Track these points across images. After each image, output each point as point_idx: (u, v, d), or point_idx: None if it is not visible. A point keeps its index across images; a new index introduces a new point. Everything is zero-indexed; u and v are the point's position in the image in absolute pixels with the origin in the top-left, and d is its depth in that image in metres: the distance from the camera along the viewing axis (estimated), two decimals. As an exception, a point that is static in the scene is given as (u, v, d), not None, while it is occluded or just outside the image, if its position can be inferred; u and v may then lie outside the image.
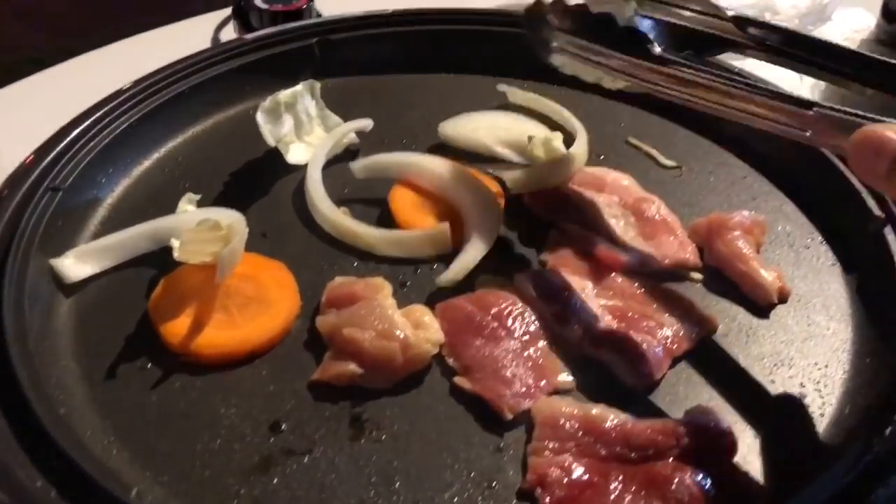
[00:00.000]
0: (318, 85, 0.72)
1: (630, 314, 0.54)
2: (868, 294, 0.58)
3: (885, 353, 0.53)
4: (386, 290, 0.55)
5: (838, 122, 0.43)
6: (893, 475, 0.43)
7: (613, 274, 0.58)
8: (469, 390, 0.50)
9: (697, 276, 0.60)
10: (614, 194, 0.64)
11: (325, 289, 0.56)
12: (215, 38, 1.04)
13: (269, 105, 0.66)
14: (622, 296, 0.56)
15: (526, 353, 0.52)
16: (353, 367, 0.50)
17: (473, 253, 0.58)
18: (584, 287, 0.57)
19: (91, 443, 0.46)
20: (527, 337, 0.53)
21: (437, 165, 0.65)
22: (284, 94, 0.68)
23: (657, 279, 0.58)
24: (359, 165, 0.66)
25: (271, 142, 0.66)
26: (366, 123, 0.70)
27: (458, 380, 0.51)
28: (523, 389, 0.50)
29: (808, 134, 0.45)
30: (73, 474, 0.42)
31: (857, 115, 0.43)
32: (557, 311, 0.54)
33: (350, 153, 0.71)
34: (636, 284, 0.57)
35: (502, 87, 0.77)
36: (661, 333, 0.53)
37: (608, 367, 0.52)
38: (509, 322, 0.54)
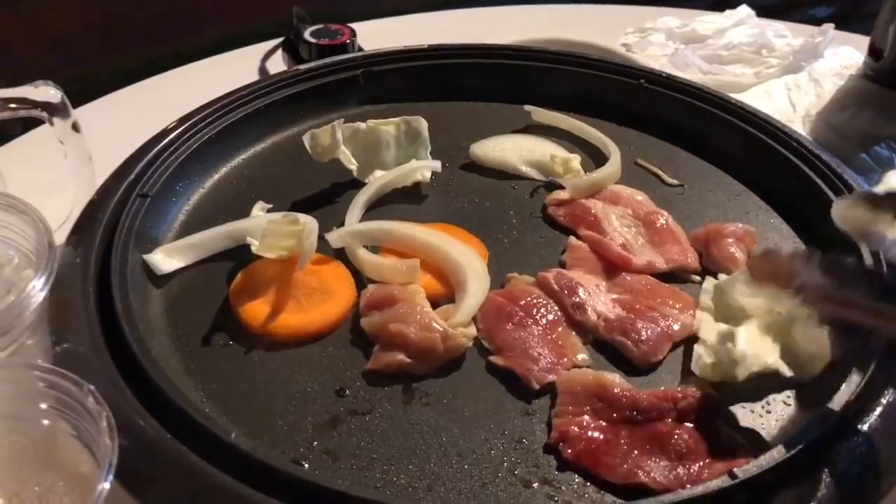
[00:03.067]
0: (424, 122, 0.79)
1: (637, 306, 0.64)
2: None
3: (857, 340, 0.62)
4: (421, 293, 0.64)
5: None
6: (855, 434, 0.52)
7: (624, 273, 0.68)
8: (503, 366, 0.60)
9: (697, 277, 0.69)
10: (628, 207, 0.74)
11: (362, 296, 0.65)
12: (262, 68, 1.15)
13: (367, 129, 0.76)
14: (631, 291, 0.66)
15: (549, 337, 0.62)
16: (401, 356, 0.59)
17: (477, 297, 0.64)
18: (598, 283, 0.66)
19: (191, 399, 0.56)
20: (549, 323, 0.63)
21: (416, 232, 0.69)
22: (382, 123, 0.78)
23: (661, 279, 0.68)
24: (334, 235, 0.69)
25: (352, 165, 0.76)
26: (434, 164, 0.78)
27: (493, 358, 0.61)
28: (548, 365, 0.59)
29: None
30: (182, 421, 0.51)
31: None
32: (576, 302, 0.64)
33: (418, 189, 0.79)
34: (643, 282, 0.67)
35: (528, 108, 0.87)
36: (664, 322, 0.63)
37: (618, 349, 0.62)
38: (535, 311, 0.63)
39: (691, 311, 0.64)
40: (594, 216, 0.73)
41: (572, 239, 0.72)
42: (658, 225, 0.72)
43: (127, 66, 1.13)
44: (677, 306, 0.65)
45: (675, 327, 0.63)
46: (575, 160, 0.79)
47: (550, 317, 0.63)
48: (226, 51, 1.19)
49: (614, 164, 0.80)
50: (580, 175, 0.78)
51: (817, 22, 1.19)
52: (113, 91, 1.07)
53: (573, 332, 0.63)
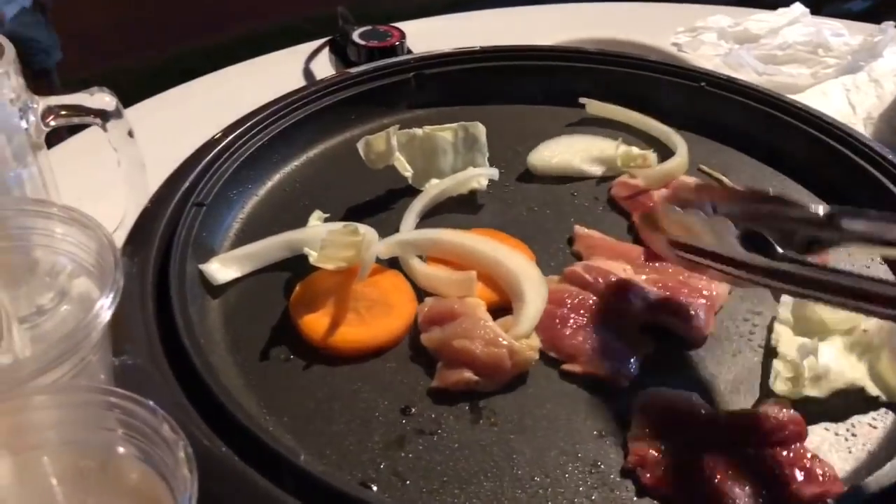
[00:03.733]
0: (482, 128, 0.77)
1: (669, 283, 0.64)
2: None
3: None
4: (482, 307, 0.62)
5: None
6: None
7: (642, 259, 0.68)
8: (581, 373, 0.58)
9: None
10: None
11: (419, 311, 0.63)
12: (306, 70, 1.13)
13: (423, 135, 0.75)
14: (657, 271, 0.66)
15: (610, 332, 0.61)
16: (468, 374, 0.57)
17: (537, 304, 0.61)
18: (624, 268, 0.66)
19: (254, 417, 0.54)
20: (602, 319, 0.62)
21: (464, 240, 0.67)
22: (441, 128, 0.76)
23: None
24: (382, 246, 0.66)
25: (407, 172, 0.74)
26: (491, 172, 0.76)
27: (566, 367, 0.59)
28: (625, 359, 0.59)
29: None
30: (248, 441, 0.50)
31: None
32: (613, 291, 0.63)
33: (474, 197, 0.77)
34: (667, 265, 0.66)
35: (583, 100, 0.85)
36: (700, 294, 0.63)
37: (670, 329, 0.62)
38: (582, 310, 0.62)
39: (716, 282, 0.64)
40: (654, 203, 0.72)
41: (577, 227, 0.71)
42: None
43: (155, 63, 1.12)
44: (703, 279, 0.64)
45: (714, 294, 0.63)
46: (650, 154, 0.78)
47: (602, 313, 0.62)
48: (253, 48, 1.18)
49: (682, 155, 0.78)
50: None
51: (853, 16, 1.15)
52: (146, 89, 1.06)
53: (631, 320, 0.62)
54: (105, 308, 0.46)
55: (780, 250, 0.51)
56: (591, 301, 0.63)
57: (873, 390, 0.57)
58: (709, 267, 0.57)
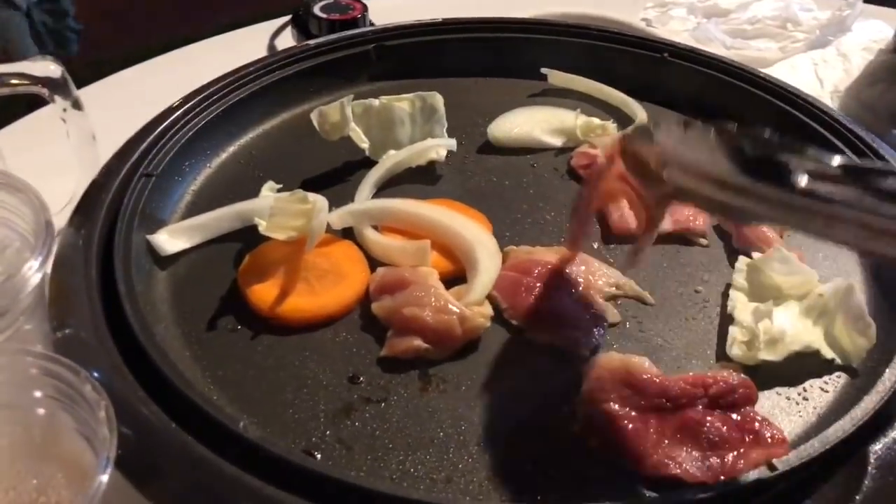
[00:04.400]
0: (440, 98, 0.76)
1: None
2: (882, 275, 0.64)
3: (896, 324, 0.59)
4: (434, 275, 0.61)
5: None
6: (891, 428, 0.49)
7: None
8: (544, 342, 0.58)
9: (703, 241, 0.67)
10: None
11: (371, 280, 0.62)
12: (271, 45, 1.12)
13: (379, 107, 0.73)
14: None
15: (574, 301, 0.60)
16: (417, 341, 0.56)
17: (490, 273, 0.61)
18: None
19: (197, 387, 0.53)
20: (568, 289, 0.61)
21: (419, 209, 0.66)
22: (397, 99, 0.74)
23: (667, 242, 0.67)
24: (335, 216, 0.66)
25: (363, 143, 0.73)
26: (449, 143, 0.75)
27: (529, 335, 0.58)
28: (588, 328, 0.58)
29: None
30: (187, 409, 0.49)
31: None
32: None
33: (432, 168, 0.75)
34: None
35: (545, 70, 0.84)
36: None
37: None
38: (550, 280, 0.61)
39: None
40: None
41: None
42: None
43: (140, 53, 1.11)
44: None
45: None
46: (610, 124, 0.78)
47: (568, 283, 0.61)
48: (238, 34, 1.16)
49: (642, 122, 0.77)
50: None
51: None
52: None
53: (595, 293, 0.61)
54: (34, 270, 0.45)
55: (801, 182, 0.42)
56: (558, 271, 0.62)
57: (828, 353, 0.56)
58: (726, 203, 0.46)
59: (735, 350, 0.57)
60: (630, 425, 0.51)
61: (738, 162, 0.46)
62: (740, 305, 0.60)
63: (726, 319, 0.60)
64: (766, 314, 0.57)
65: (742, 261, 0.63)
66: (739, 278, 0.61)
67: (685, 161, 0.48)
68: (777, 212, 0.44)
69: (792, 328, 0.57)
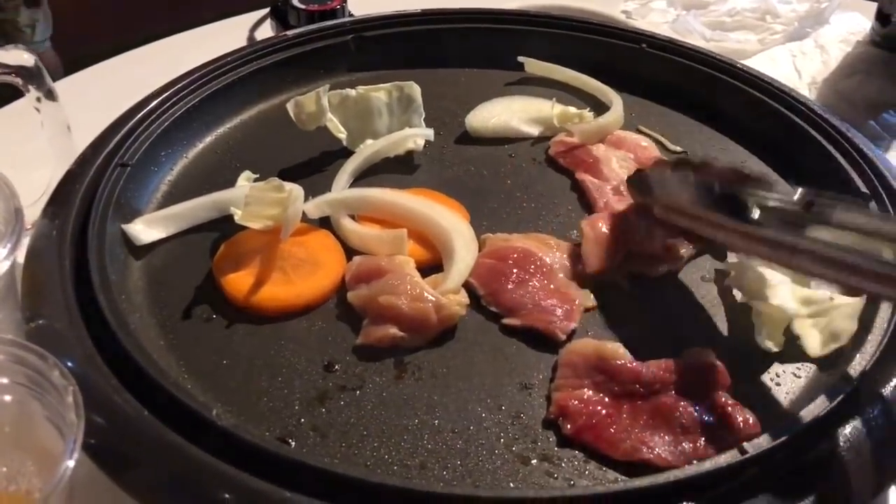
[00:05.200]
0: (417, 88, 0.76)
1: None
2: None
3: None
4: (411, 264, 0.61)
5: None
6: (860, 412, 0.49)
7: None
8: (520, 326, 0.58)
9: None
10: (631, 152, 0.74)
11: (347, 269, 0.61)
12: (251, 37, 1.11)
13: (357, 96, 0.73)
14: None
15: (551, 287, 0.60)
16: (393, 330, 0.56)
17: (467, 261, 0.61)
18: None
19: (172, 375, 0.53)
20: (546, 275, 0.61)
21: (395, 198, 0.66)
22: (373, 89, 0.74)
23: None
24: (311, 205, 0.65)
25: (341, 134, 0.73)
26: (427, 133, 0.75)
27: (507, 321, 0.58)
28: (565, 313, 0.58)
29: None
30: (160, 397, 0.48)
31: None
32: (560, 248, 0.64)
33: (410, 158, 0.75)
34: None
35: (522, 58, 0.85)
36: None
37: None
38: (528, 266, 0.62)
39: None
40: (595, 158, 0.72)
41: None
42: None
43: (123, 46, 1.10)
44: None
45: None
46: (587, 112, 0.78)
47: (545, 269, 0.62)
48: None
49: (617, 111, 0.78)
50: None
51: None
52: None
53: (571, 280, 0.62)
54: (2, 257, 0.44)
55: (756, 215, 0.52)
56: (534, 257, 0.62)
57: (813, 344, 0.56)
58: (696, 231, 0.57)
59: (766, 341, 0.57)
60: (603, 410, 0.51)
61: (709, 198, 0.55)
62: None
63: (699, 307, 0.60)
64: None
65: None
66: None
67: (668, 199, 0.58)
68: (740, 242, 0.53)
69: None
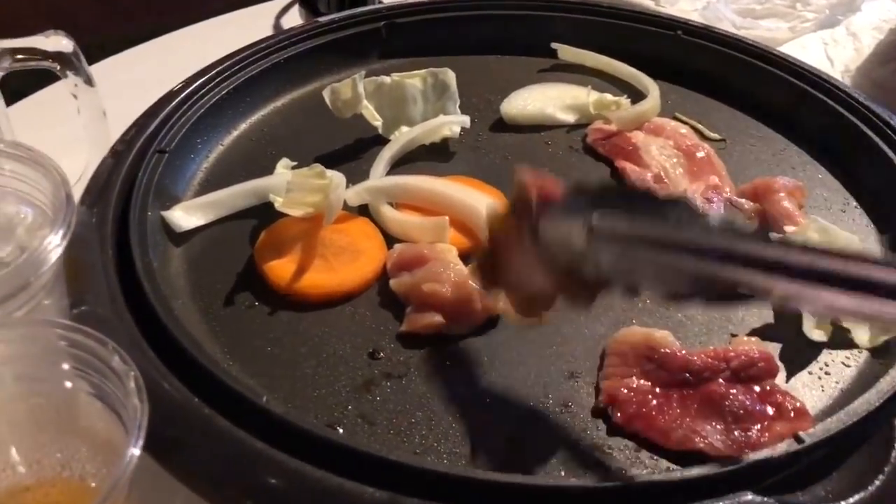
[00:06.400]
0: (452, 74, 0.75)
1: None
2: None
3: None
4: (453, 251, 0.61)
5: None
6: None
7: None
8: None
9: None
10: (670, 139, 0.73)
11: (389, 257, 0.61)
12: (276, 25, 1.11)
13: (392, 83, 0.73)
14: None
15: None
16: (437, 317, 0.56)
17: None
18: None
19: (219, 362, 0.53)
20: None
21: (435, 186, 0.66)
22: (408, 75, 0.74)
23: None
24: (351, 192, 0.65)
25: (376, 121, 0.72)
26: (462, 119, 0.74)
27: None
28: None
29: None
30: (208, 383, 0.48)
31: None
32: None
33: (446, 145, 0.75)
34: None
35: (555, 45, 0.84)
36: None
37: None
38: None
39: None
40: (634, 146, 0.72)
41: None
42: (698, 156, 0.71)
43: (132, 36, 1.09)
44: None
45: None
46: (623, 100, 0.77)
47: None
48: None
49: (654, 97, 0.77)
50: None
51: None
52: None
53: None
54: (54, 245, 0.44)
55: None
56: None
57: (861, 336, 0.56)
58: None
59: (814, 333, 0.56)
60: (653, 399, 0.51)
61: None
62: None
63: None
64: None
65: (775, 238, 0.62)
66: None
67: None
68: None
69: None
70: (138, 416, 0.35)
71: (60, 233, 0.45)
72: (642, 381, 0.51)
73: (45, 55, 0.65)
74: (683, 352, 0.53)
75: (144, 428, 0.35)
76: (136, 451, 0.34)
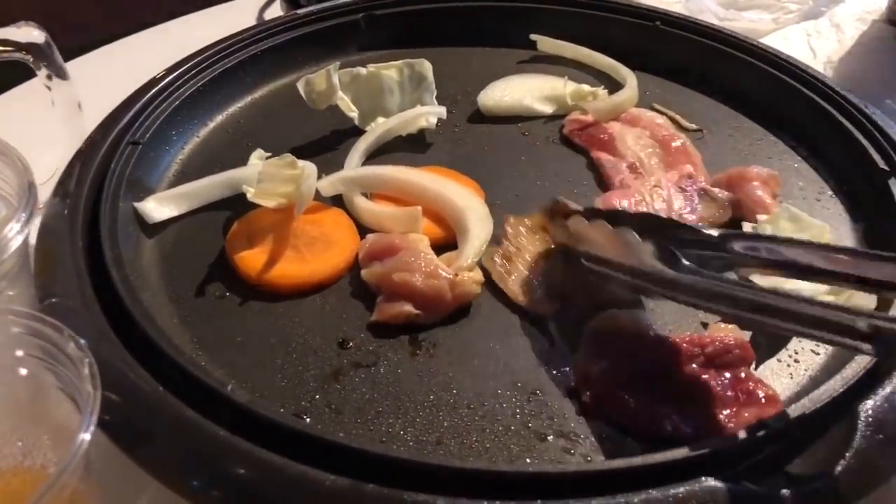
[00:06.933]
0: (428, 65, 0.75)
1: None
2: (874, 238, 0.64)
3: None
4: (425, 241, 0.61)
5: None
6: (881, 387, 0.48)
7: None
8: None
9: None
10: (647, 129, 0.73)
11: (361, 247, 0.61)
12: (260, 18, 1.10)
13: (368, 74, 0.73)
14: None
15: None
16: (407, 307, 0.56)
17: (481, 238, 0.60)
18: None
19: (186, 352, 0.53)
20: None
21: (410, 176, 0.65)
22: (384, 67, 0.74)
23: None
24: (325, 182, 0.65)
25: (352, 112, 0.72)
26: (439, 110, 0.74)
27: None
28: None
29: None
30: (175, 373, 0.48)
31: None
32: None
33: (422, 136, 0.75)
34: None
35: (534, 37, 0.84)
36: None
37: None
38: None
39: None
40: (609, 135, 0.72)
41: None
42: (673, 146, 0.71)
43: (126, 34, 1.09)
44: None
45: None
46: (601, 90, 0.77)
47: None
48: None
49: (632, 87, 0.78)
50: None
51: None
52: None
53: None
54: (14, 232, 0.44)
55: (685, 262, 0.50)
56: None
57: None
58: (616, 278, 0.54)
59: None
60: (625, 382, 0.51)
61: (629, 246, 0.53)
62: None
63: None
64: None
65: (748, 227, 0.62)
66: None
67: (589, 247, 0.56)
68: (660, 289, 0.50)
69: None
70: (91, 403, 0.35)
71: (21, 220, 0.45)
72: (615, 364, 0.51)
73: (18, 46, 0.65)
74: (658, 336, 0.53)
75: (97, 413, 0.35)
76: (86, 437, 0.34)
